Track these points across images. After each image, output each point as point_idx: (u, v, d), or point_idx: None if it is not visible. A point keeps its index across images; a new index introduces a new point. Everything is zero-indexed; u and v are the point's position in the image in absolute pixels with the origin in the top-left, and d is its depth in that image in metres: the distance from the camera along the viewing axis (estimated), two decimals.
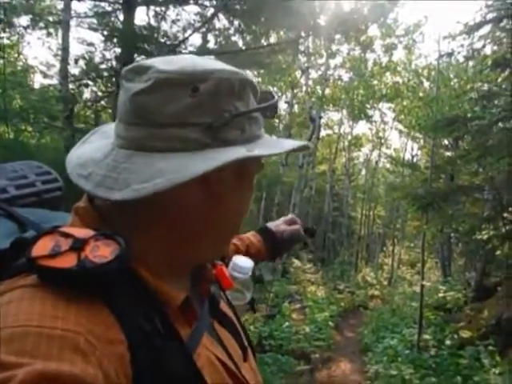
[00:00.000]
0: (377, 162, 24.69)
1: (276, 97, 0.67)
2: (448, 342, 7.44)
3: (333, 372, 7.76)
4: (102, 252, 0.52)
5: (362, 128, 26.28)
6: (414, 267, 19.58)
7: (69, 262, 0.50)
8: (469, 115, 6.40)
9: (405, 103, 15.97)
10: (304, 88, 17.28)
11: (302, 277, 14.14)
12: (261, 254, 1.22)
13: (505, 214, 5.75)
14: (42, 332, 0.45)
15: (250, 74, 0.65)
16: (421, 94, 14.15)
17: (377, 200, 25.98)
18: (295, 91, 17.43)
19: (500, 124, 5.45)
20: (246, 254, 1.16)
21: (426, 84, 13.88)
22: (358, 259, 22.85)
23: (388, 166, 24.72)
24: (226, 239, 0.71)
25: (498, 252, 7.50)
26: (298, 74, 16.65)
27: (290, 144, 0.66)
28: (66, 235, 0.54)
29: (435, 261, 17.72)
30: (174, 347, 0.56)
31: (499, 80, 6.30)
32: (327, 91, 17.58)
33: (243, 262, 1.04)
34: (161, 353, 0.54)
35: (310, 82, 17.36)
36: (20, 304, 0.48)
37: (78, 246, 0.52)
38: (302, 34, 6.45)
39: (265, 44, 6.79)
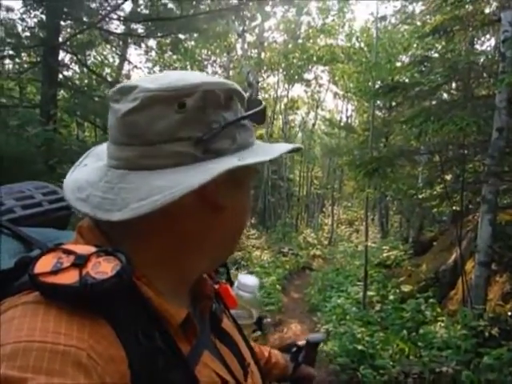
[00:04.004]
0: (313, 125, 25.11)
1: (264, 103, 0.68)
2: (391, 297, 7.89)
3: (285, 334, 8.01)
4: (103, 268, 0.52)
5: (297, 91, 26.57)
6: (353, 225, 20.46)
7: (70, 278, 0.50)
8: (407, 80, 6.60)
9: (340, 66, 16.18)
10: (240, 52, 16.98)
11: (246, 242, 14.34)
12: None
13: (443, 176, 6.07)
14: (44, 347, 0.45)
15: (235, 84, 0.65)
16: (355, 58, 14.35)
17: (314, 161, 26.59)
18: (231, 55, 17.09)
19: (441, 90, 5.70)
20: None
21: (363, 47, 14.05)
22: (299, 220, 23.51)
23: (324, 127, 25.19)
24: (227, 248, 0.72)
25: (434, 210, 8.01)
26: (232, 37, 16.30)
27: (282, 148, 0.67)
28: (69, 252, 0.54)
29: (371, 218, 18.61)
30: (175, 365, 0.56)
31: (439, 47, 6.53)
32: (264, 55, 17.39)
33: (248, 281, 1.03)
34: (162, 370, 0.54)
35: (246, 46, 17.08)
36: (23, 320, 0.48)
37: (80, 262, 0.52)
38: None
39: (206, 9, 6.51)
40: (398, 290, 8.06)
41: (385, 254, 10.35)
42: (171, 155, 0.58)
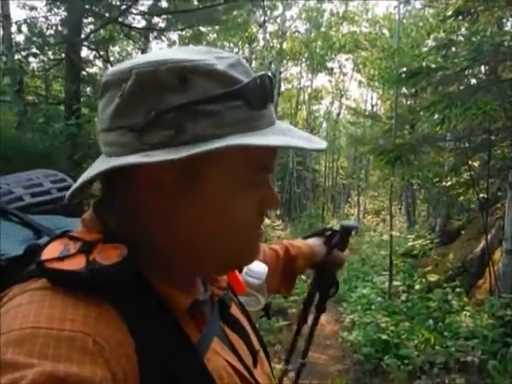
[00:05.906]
0: (338, 114, 24.86)
1: (263, 78, 0.59)
2: (417, 287, 7.77)
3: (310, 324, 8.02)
4: (110, 255, 0.52)
5: (321, 80, 26.35)
6: (379, 215, 20.18)
7: (77, 264, 0.50)
8: (432, 66, 6.43)
9: (364, 54, 15.91)
10: (262, 42, 16.89)
11: (272, 234, 14.32)
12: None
13: (469, 162, 5.91)
14: (50, 333, 0.45)
15: (208, 59, 0.55)
16: (378, 44, 14.09)
17: (339, 152, 26.33)
18: (253, 46, 17.03)
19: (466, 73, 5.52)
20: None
21: (386, 34, 13.77)
22: (325, 211, 23.37)
23: (349, 117, 24.90)
24: (217, 252, 0.61)
25: (461, 198, 7.82)
26: (254, 27, 16.22)
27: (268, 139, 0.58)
28: (75, 239, 0.55)
29: (398, 207, 18.29)
30: (183, 351, 0.55)
31: (462, 29, 6.33)
32: (286, 45, 17.28)
33: (257, 267, 1.01)
34: (170, 356, 0.53)
35: (268, 36, 16.97)
36: (29, 306, 0.48)
37: (87, 248, 0.53)
38: None
39: (222, 1, 6.50)
40: (424, 280, 7.92)
41: (410, 244, 10.18)
42: (114, 143, 0.56)
